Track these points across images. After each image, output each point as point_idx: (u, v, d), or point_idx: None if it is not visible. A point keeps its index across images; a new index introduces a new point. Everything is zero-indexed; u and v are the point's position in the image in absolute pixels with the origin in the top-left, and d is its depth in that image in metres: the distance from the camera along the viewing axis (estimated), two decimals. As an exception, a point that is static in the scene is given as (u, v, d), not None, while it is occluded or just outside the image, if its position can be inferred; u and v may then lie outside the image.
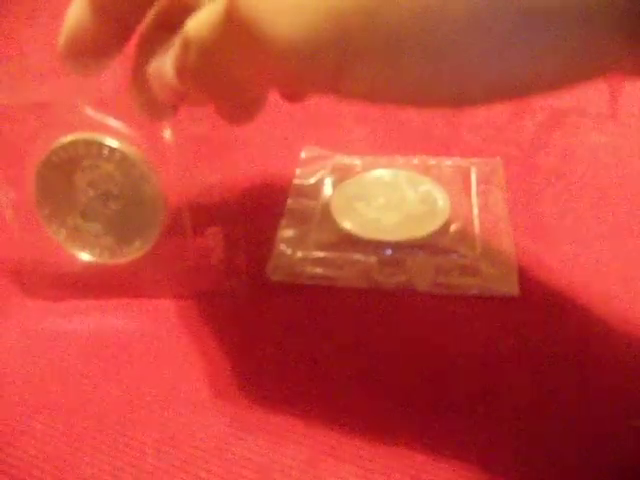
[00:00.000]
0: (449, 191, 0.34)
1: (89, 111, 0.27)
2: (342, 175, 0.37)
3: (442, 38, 0.14)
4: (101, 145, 0.27)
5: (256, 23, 0.16)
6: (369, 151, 0.39)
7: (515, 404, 0.25)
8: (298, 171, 0.38)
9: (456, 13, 0.14)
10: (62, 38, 0.22)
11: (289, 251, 0.32)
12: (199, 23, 0.18)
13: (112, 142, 0.27)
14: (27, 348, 0.28)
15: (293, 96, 0.25)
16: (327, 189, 0.36)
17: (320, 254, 0.32)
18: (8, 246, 0.30)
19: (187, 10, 0.19)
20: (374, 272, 0.30)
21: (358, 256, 0.31)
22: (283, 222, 0.34)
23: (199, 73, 0.19)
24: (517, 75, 0.15)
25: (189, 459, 0.23)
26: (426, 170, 0.37)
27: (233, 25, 0.17)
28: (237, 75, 0.19)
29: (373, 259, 0.31)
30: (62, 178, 0.28)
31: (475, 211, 0.34)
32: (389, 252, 0.31)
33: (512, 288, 0.29)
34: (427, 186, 0.35)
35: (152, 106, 0.23)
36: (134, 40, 0.22)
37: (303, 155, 0.39)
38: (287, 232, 0.33)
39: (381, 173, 0.37)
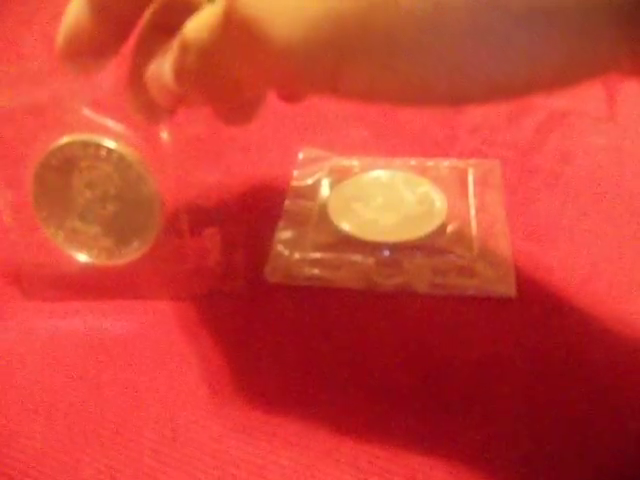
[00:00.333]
0: (446, 192, 0.34)
1: (87, 112, 0.27)
2: (340, 176, 0.37)
3: (439, 38, 0.14)
4: (99, 146, 0.27)
5: (255, 24, 0.16)
6: (367, 152, 0.39)
7: (512, 405, 0.25)
8: (296, 172, 0.38)
9: (453, 14, 0.14)
10: (60, 37, 0.22)
11: (287, 252, 0.32)
12: (198, 25, 0.19)
13: (110, 143, 0.27)
14: (25, 349, 0.28)
15: (291, 97, 0.26)
16: (325, 190, 0.36)
17: (318, 255, 0.32)
18: (6, 248, 0.30)
19: (183, 11, 0.19)
20: (372, 273, 0.31)
21: (356, 257, 0.31)
22: (281, 223, 0.34)
23: (198, 75, 0.20)
24: (515, 74, 0.15)
25: (186, 460, 0.23)
26: (423, 171, 0.37)
27: (232, 26, 0.17)
28: (236, 76, 0.19)
29: (371, 260, 0.31)
30: (60, 179, 0.28)
31: (472, 212, 0.34)
32: (387, 253, 0.31)
33: (509, 289, 0.29)
34: (424, 187, 0.35)
35: (149, 108, 0.24)
36: (131, 41, 0.22)
37: (301, 156, 0.39)
38: (285, 233, 0.33)
39: (378, 174, 0.37)
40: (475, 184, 0.36)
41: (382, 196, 0.35)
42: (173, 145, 0.27)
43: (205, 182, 0.29)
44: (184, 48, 0.19)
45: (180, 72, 0.20)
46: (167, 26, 0.21)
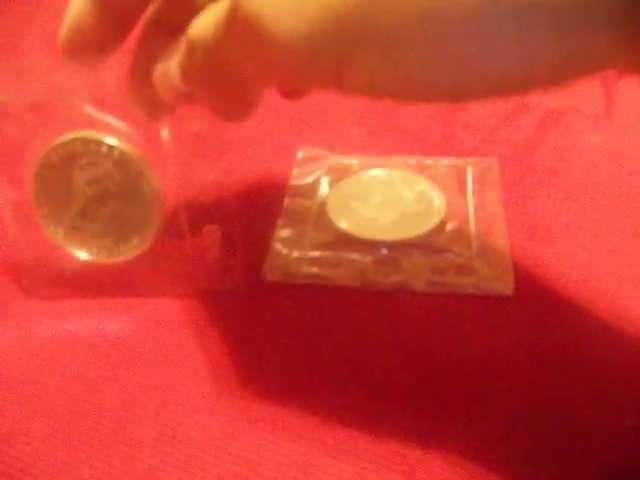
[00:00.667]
0: (445, 190, 0.35)
1: (88, 109, 0.27)
2: (338, 175, 0.37)
3: (439, 33, 0.15)
4: (100, 143, 0.27)
5: (259, 20, 0.16)
6: (365, 151, 0.39)
7: (510, 403, 0.25)
8: (295, 171, 0.38)
9: (453, 9, 0.14)
10: (63, 31, 0.22)
11: (285, 251, 0.32)
12: (204, 24, 0.19)
13: (111, 140, 0.27)
14: (25, 347, 0.28)
15: (292, 94, 0.26)
16: (323, 189, 0.36)
17: (316, 253, 0.32)
18: (7, 245, 0.30)
19: (186, 8, 0.20)
20: (370, 271, 0.31)
21: (354, 255, 0.31)
22: (280, 222, 0.34)
23: (204, 73, 0.20)
24: (514, 70, 0.15)
25: (186, 457, 0.23)
26: (422, 170, 0.37)
27: (237, 24, 0.17)
28: (242, 74, 0.19)
29: (369, 258, 0.31)
30: (61, 177, 0.28)
31: (471, 210, 0.34)
32: (385, 251, 0.31)
33: (507, 287, 0.29)
34: (423, 185, 0.35)
35: (150, 105, 0.24)
36: (133, 38, 0.22)
37: (300, 155, 0.39)
38: (283, 232, 0.33)
39: (377, 173, 0.37)
40: (473, 182, 0.36)
41: (381, 194, 0.35)
42: (173, 143, 0.27)
43: (205, 180, 0.29)
44: (191, 48, 0.19)
45: (187, 71, 0.20)
46: (169, 23, 0.21)
